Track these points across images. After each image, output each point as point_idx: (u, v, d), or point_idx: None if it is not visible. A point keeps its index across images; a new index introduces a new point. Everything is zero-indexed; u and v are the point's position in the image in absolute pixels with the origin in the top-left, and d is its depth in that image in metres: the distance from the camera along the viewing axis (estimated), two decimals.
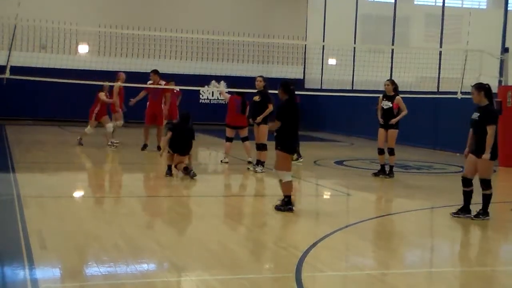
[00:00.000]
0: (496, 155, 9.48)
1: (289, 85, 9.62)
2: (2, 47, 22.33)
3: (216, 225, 8.93)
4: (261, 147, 13.82)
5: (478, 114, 9.42)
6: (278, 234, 8.23)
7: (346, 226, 8.85)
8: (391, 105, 13.38)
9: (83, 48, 25.85)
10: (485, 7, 28.16)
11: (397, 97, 13.47)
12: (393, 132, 13.49)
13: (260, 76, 14.03)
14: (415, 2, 29.12)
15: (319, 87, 26.98)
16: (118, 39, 24.89)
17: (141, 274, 6.39)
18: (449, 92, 18.09)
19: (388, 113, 13.42)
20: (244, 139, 14.55)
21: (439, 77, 20.67)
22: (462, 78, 16.92)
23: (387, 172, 13.53)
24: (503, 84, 16.54)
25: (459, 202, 9.61)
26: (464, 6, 27.23)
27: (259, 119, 13.53)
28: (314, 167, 15.34)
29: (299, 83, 27.32)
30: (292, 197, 9.61)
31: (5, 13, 18.75)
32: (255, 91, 14.08)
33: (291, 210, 9.43)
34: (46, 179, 12.21)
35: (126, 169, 14.66)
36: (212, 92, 26.71)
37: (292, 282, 6.10)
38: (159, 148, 16.58)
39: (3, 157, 14.68)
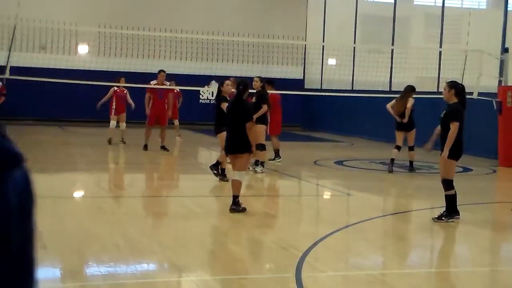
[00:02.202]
0: (458, 155, 9.13)
1: None
2: (2, 47, 22.32)
3: (216, 225, 8.94)
4: (258, 147, 13.85)
5: (444, 111, 9.19)
6: (278, 234, 8.24)
7: (346, 226, 8.86)
8: None
9: (82, 49, 25.85)
10: (484, 7, 28.20)
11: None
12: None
13: (258, 77, 14.04)
14: (415, 2, 29.15)
15: (319, 87, 26.99)
16: (118, 39, 24.90)
17: (141, 274, 6.39)
18: None
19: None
20: None
21: (439, 77, 20.67)
22: (462, 79, 16.92)
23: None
24: (503, 84, 16.54)
25: (459, 202, 9.57)
26: (464, 6, 27.27)
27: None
28: (314, 167, 15.34)
29: (299, 83, 27.35)
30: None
31: (5, 13, 18.75)
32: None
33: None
34: (46, 179, 12.21)
35: (126, 169, 14.67)
36: (212, 92, 26.72)
37: (292, 282, 6.10)
38: (163, 148, 16.61)
39: None
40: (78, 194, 11.23)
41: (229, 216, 9.36)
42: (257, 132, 13.57)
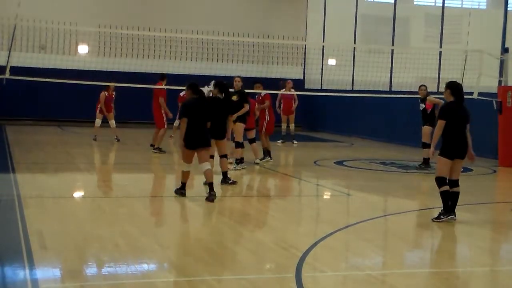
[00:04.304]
0: (451, 154, 9.10)
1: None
2: (2, 47, 22.32)
3: (216, 225, 8.94)
4: (237, 145, 13.95)
5: None
6: (278, 234, 8.24)
7: (346, 226, 8.86)
8: (424, 106, 14.98)
9: (82, 49, 25.84)
10: (484, 7, 28.18)
11: (428, 97, 14.93)
12: (425, 129, 14.98)
13: (238, 76, 14.18)
14: (415, 3, 29.13)
15: (319, 87, 26.98)
16: (118, 39, 24.88)
17: (141, 274, 6.39)
18: None
19: (423, 113, 14.99)
20: (252, 141, 14.61)
21: (439, 78, 20.66)
22: (462, 79, 16.90)
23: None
24: (503, 84, 16.53)
25: (459, 202, 9.59)
26: (464, 6, 27.25)
27: (233, 117, 13.69)
28: (314, 167, 15.34)
29: (299, 83, 27.34)
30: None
31: (5, 13, 18.75)
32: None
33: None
34: (46, 179, 12.22)
35: (126, 169, 14.64)
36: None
37: (292, 282, 6.11)
38: (153, 146, 16.64)
39: (3, 157, 14.68)
40: (78, 194, 11.22)
41: (229, 216, 9.36)
42: (236, 130, 13.78)
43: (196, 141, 10.28)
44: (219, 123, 11.72)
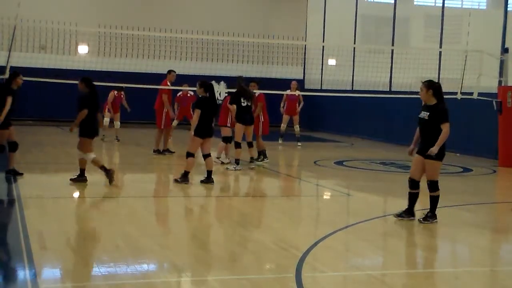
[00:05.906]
0: (443, 156, 9.11)
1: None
2: (2, 47, 22.31)
3: (216, 225, 8.94)
4: (236, 145, 13.96)
5: (428, 113, 8.96)
6: (278, 234, 8.24)
7: (346, 226, 8.86)
8: None
9: (82, 49, 25.85)
10: (484, 7, 28.17)
11: None
12: None
13: (239, 76, 14.27)
14: (415, 3, 29.14)
15: (319, 87, 26.98)
16: (118, 39, 24.90)
17: (141, 274, 6.39)
18: (449, 92, 18.04)
19: None
20: (226, 139, 14.65)
21: (439, 78, 20.65)
22: (462, 79, 16.91)
23: None
24: (503, 84, 16.54)
25: (459, 202, 9.63)
26: (463, 6, 27.25)
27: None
28: (314, 167, 15.34)
29: (299, 83, 27.33)
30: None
31: (5, 14, 18.74)
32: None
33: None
34: (46, 179, 12.22)
35: (125, 169, 14.64)
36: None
37: (292, 282, 6.11)
38: (167, 151, 16.38)
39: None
40: (78, 194, 11.22)
41: (229, 216, 9.35)
42: (236, 130, 13.87)
43: (94, 131, 11.44)
44: (207, 122, 11.66)
